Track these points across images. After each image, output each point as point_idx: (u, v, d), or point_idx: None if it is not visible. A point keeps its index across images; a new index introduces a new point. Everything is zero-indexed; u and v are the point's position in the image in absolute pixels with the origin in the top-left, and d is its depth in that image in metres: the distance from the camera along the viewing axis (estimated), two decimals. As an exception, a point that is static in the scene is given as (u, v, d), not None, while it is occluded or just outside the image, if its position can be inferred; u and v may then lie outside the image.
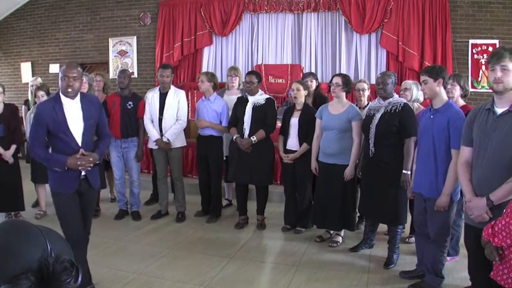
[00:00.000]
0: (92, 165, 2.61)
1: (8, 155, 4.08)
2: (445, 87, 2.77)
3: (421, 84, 2.89)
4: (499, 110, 2.12)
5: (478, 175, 2.22)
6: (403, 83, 3.91)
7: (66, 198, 2.62)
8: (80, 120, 2.60)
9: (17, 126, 4.23)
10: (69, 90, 2.54)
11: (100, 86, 4.86)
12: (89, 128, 2.67)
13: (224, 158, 4.51)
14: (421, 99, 3.74)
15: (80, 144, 2.59)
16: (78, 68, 2.59)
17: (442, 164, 2.67)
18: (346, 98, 3.69)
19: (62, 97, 2.58)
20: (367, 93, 4.11)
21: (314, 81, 4.37)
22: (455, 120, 2.62)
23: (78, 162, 2.54)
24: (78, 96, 2.62)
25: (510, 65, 2.02)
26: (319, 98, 4.17)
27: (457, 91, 3.24)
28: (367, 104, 4.01)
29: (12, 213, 4.32)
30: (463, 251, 3.29)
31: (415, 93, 3.69)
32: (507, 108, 2.08)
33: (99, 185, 2.92)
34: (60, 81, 2.55)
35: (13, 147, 4.13)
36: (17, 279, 0.81)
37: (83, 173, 2.63)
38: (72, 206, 2.65)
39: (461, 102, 3.27)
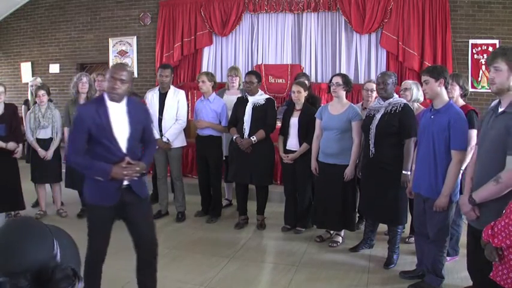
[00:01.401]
0: (138, 175, 2.37)
1: (11, 145, 4.06)
2: (446, 88, 2.77)
3: (421, 85, 2.88)
4: (500, 110, 2.13)
5: (476, 173, 2.25)
6: (403, 83, 3.91)
7: (103, 211, 2.38)
8: (125, 126, 2.36)
9: (17, 126, 4.24)
10: (115, 93, 2.32)
11: (102, 86, 4.86)
12: (135, 134, 2.42)
13: (224, 158, 4.52)
14: (421, 99, 3.74)
15: (124, 151, 2.35)
16: (128, 70, 2.40)
17: (442, 165, 2.67)
18: (347, 97, 3.70)
19: (107, 100, 2.36)
20: (375, 94, 4.08)
21: (307, 82, 4.38)
22: (455, 121, 2.62)
23: (124, 172, 2.30)
24: (125, 99, 2.40)
25: (502, 65, 2.03)
26: (311, 98, 4.16)
27: (457, 91, 3.24)
28: None
29: (12, 213, 4.32)
30: (462, 250, 3.30)
31: (415, 93, 3.69)
32: (503, 109, 2.10)
33: (147, 194, 2.61)
34: (106, 82, 2.37)
35: (12, 144, 4.09)
36: (15, 277, 0.81)
37: (125, 182, 2.38)
38: (107, 220, 2.43)
39: (461, 102, 3.26)
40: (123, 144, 2.35)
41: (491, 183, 2.05)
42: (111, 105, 2.35)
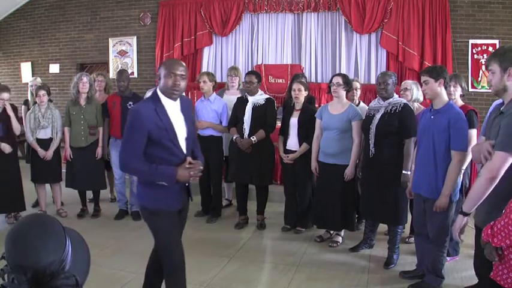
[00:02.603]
0: (201, 174, 2.26)
1: (4, 145, 4.03)
2: (445, 88, 2.77)
3: (421, 85, 2.89)
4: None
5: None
6: (403, 83, 3.92)
7: (170, 218, 2.20)
8: (182, 125, 2.24)
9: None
10: (178, 90, 2.17)
11: (102, 86, 4.88)
12: (191, 133, 2.31)
13: (224, 158, 4.52)
14: (421, 99, 3.75)
15: (185, 151, 2.24)
16: (184, 65, 2.25)
17: (442, 165, 2.67)
18: (346, 97, 3.70)
19: (162, 98, 2.20)
20: (359, 92, 4.20)
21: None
22: (456, 121, 2.62)
23: (191, 173, 2.17)
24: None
25: (495, 67, 2.08)
26: (308, 98, 4.16)
27: (458, 92, 3.25)
28: (358, 103, 4.07)
29: (12, 213, 4.31)
30: (463, 251, 3.31)
31: (415, 93, 3.70)
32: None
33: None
34: (163, 78, 2.16)
35: (6, 146, 4.05)
36: (18, 270, 0.82)
37: (186, 184, 2.28)
38: (177, 226, 2.27)
39: (460, 102, 3.28)
40: (182, 145, 2.23)
41: (475, 184, 2.11)
42: (167, 103, 2.20)
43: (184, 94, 2.46)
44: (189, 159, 2.22)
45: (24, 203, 4.24)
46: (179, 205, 2.25)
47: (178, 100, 2.25)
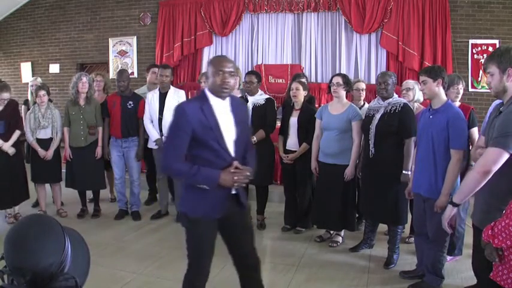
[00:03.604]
0: (247, 181, 2.09)
1: (7, 146, 4.09)
2: (444, 87, 2.77)
3: (420, 85, 2.90)
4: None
5: None
6: (404, 82, 3.90)
7: (207, 226, 2.09)
8: (231, 125, 2.10)
9: (17, 121, 4.26)
10: (226, 88, 2.06)
11: (100, 86, 4.88)
12: (242, 135, 2.14)
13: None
14: (421, 99, 3.75)
15: (233, 154, 2.08)
16: (233, 61, 2.15)
17: (441, 165, 2.67)
18: (346, 97, 3.70)
19: (210, 97, 2.09)
20: (364, 93, 4.18)
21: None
22: (454, 120, 2.62)
23: (235, 178, 2.01)
24: (228, 96, 2.14)
25: (493, 69, 2.08)
26: (308, 98, 4.16)
27: (461, 92, 3.32)
28: (363, 104, 4.05)
29: (12, 213, 4.31)
30: (463, 250, 3.30)
31: (417, 93, 3.69)
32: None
33: (247, 204, 2.28)
34: (211, 77, 2.06)
35: (15, 134, 4.15)
36: (17, 272, 0.82)
37: (233, 191, 2.11)
38: (212, 237, 2.14)
39: (457, 102, 3.32)
40: (230, 147, 2.08)
41: (467, 176, 2.16)
42: (215, 102, 2.08)
43: (234, 94, 2.38)
44: (235, 163, 2.05)
45: (28, 192, 4.36)
46: (220, 213, 2.08)
47: (228, 100, 2.13)
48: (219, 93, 2.07)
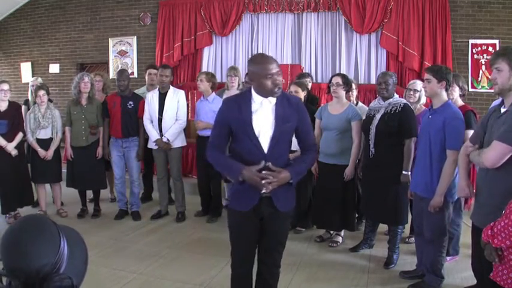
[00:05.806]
0: (274, 186, 2.01)
1: (10, 147, 4.12)
2: (446, 90, 2.76)
3: (423, 81, 2.88)
4: (502, 110, 2.14)
5: (478, 174, 2.28)
6: (412, 82, 3.76)
7: (240, 217, 2.13)
8: (269, 123, 2.06)
9: (20, 123, 4.28)
10: (278, 89, 2.04)
11: (100, 86, 4.88)
12: (280, 134, 2.07)
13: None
14: (425, 101, 3.72)
15: (266, 152, 2.06)
16: (275, 59, 2.11)
17: (437, 165, 2.68)
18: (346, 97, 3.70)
19: (254, 95, 2.09)
20: (355, 92, 4.20)
21: (310, 83, 4.42)
22: (451, 120, 2.62)
23: (256, 177, 1.98)
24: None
25: (503, 65, 2.05)
26: (309, 98, 4.16)
27: (457, 92, 3.25)
28: (356, 103, 4.08)
29: (12, 213, 4.32)
30: (463, 250, 3.31)
31: (423, 97, 3.61)
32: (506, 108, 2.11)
33: (290, 207, 2.21)
34: (258, 81, 2.03)
35: (18, 136, 4.20)
36: (12, 274, 0.82)
37: (264, 191, 2.04)
38: (247, 226, 2.14)
39: (460, 102, 3.27)
40: (265, 144, 2.06)
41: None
42: (257, 99, 2.09)
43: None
44: (262, 163, 2.02)
45: (33, 194, 4.44)
46: (248, 207, 2.09)
47: (275, 98, 2.09)
48: (271, 94, 2.06)
